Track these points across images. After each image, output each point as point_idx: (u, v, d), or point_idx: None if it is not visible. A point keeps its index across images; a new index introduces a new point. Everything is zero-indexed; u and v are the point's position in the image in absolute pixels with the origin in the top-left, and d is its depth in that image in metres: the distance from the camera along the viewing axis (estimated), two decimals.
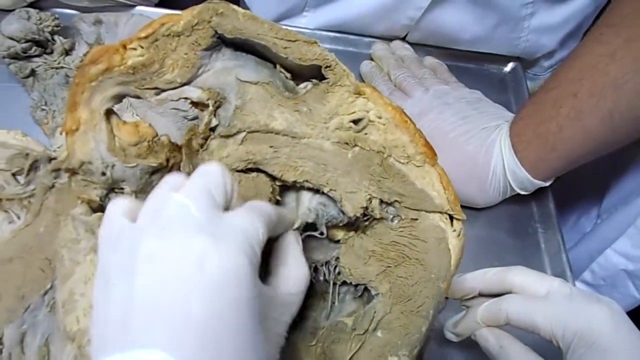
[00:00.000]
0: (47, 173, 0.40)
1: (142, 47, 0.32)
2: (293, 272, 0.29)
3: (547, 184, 0.52)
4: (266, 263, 0.29)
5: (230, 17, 0.33)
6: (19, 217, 0.43)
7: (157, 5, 0.66)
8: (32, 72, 0.59)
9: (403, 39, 0.66)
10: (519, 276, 0.38)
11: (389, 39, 0.66)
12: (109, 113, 0.32)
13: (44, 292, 0.39)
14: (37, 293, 0.39)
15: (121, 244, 0.24)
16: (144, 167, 0.31)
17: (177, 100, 0.32)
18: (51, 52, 0.60)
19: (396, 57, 0.63)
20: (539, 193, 0.58)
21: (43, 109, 0.58)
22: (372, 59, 0.65)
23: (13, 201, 0.43)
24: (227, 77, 0.33)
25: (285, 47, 0.33)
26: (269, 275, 0.29)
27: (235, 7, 0.33)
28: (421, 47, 0.67)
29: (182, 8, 0.66)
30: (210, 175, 0.26)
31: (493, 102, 0.59)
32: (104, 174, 0.31)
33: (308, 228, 0.35)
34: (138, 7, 0.64)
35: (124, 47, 0.32)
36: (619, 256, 0.57)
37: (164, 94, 0.32)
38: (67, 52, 0.61)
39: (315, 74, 0.35)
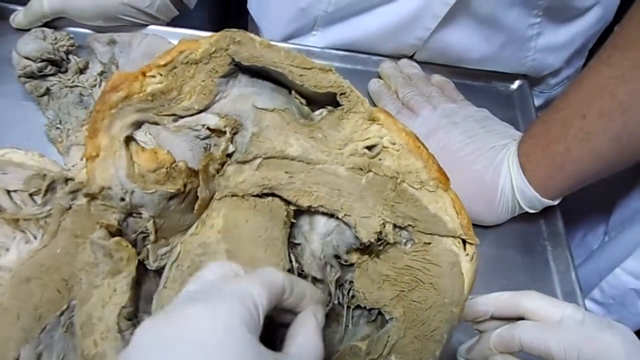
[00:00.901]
0: (64, 195, 0.41)
1: (160, 75, 0.33)
2: (303, 348, 0.28)
3: (556, 202, 0.53)
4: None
5: (247, 45, 0.33)
6: (35, 237, 0.44)
7: (168, 24, 0.67)
8: (47, 91, 0.60)
9: (411, 57, 0.67)
10: (532, 302, 0.38)
11: (397, 57, 0.67)
12: (128, 140, 0.32)
13: (60, 313, 0.40)
14: (54, 314, 0.39)
15: None
16: (162, 193, 0.32)
17: (194, 127, 0.33)
18: (65, 71, 0.61)
19: (404, 75, 0.64)
20: (547, 211, 0.58)
21: (58, 128, 0.59)
22: (380, 77, 0.66)
23: (30, 221, 0.44)
24: (243, 104, 0.34)
25: (301, 75, 0.33)
26: (283, 346, 0.28)
27: (252, 35, 0.34)
28: (428, 66, 0.68)
29: (193, 27, 0.67)
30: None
31: (500, 119, 0.59)
32: (122, 199, 0.32)
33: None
34: (150, 27, 0.65)
35: (143, 74, 0.33)
36: (628, 275, 0.57)
37: (181, 121, 0.33)
38: (82, 71, 0.62)
39: (330, 99, 0.35)
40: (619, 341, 0.33)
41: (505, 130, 0.56)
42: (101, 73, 0.61)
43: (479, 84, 0.70)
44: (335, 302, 0.36)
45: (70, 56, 0.61)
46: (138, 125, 0.33)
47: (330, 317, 0.37)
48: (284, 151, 0.34)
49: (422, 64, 0.67)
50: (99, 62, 0.62)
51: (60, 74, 0.61)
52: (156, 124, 0.33)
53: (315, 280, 0.35)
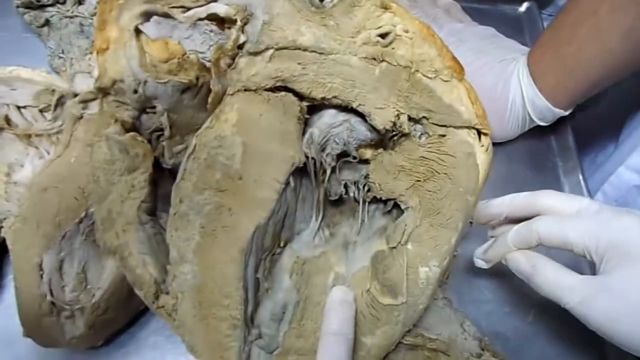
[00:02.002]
0: (75, 104, 0.40)
1: None
2: None
3: (567, 112, 0.52)
4: None
5: None
6: (48, 153, 0.44)
7: None
8: (47, 22, 0.59)
9: None
10: (548, 199, 0.38)
11: None
12: (138, 31, 0.32)
13: (79, 220, 0.40)
14: (73, 221, 0.40)
15: None
16: (175, 83, 0.32)
17: (204, 19, 0.32)
18: (64, 2, 0.60)
19: None
20: (557, 127, 0.58)
21: (60, 57, 0.58)
22: None
23: (42, 137, 0.44)
24: None
25: None
26: None
27: None
28: None
29: None
30: None
31: None
32: (136, 91, 0.31)
33: (340, 154, 0.35)
34: None
35: None
36: (632, 172, 0.55)
37: (191, 12, 0.32)
38: (80, 2, 0.60)
39: None
40: (636, 223, 0.34)
41: (513, 45, 0.55)
42: None
43: (485, 7, 0.69)
44: (351, 196, 0.36)
45: None
46: (147, 16, 0.32)
47: (346, 212, 0.38)
48: (296, 41, 0.33)
49: None
50: None
51: (59, 5, 0.60)
52: (166, 15, 0.32)
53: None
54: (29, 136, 0.44)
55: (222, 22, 0.33)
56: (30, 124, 0.44)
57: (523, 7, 0.70)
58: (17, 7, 0.58)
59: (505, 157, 0.58)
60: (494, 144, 0.56)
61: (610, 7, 0.43)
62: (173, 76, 0.31)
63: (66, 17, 0.60)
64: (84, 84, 0.55)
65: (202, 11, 0.32)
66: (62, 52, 0.59)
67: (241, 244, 0.32)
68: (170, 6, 0.32)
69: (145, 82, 0.31)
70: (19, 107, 0.44)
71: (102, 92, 0.32)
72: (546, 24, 0.70)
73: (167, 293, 0.32)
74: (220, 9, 0.32)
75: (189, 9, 0.33)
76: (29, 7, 0.59)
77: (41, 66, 0.58)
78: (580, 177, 0.56)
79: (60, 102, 0.44)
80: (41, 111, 0.44)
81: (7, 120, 0.44)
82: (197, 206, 0.32)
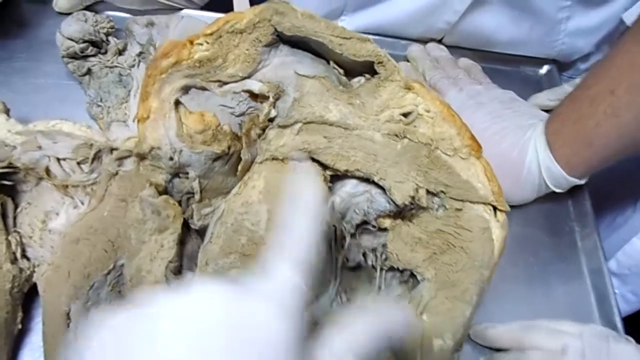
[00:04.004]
0: (111, 161, 0.43)
1: (207, 43, 0.35)
2: None
3: (582, 181, 0.53)
4: None
5: (289, 16, 0.35)
6: (82, 203, 0.46)
7: (202, 8, 0.69)
8: (88, 71, 0.63)
9: (439, 41, 0.68)
10: (536, 335, 0.43)
11: (424, 41, 0.68)
12: (177, 103, 0.34)
13: (107, 272, 0.42)
14: (101, 272, 0.42)
15: None
16: (208, 153, 0.34)
17: (239, 93, 0.34)
18: (105, 52, 0.64)
19: (431, 58, 0.65)
20: (575, 192, 0.58)
21: (99, 105, 0.61)
22: (407, 60, 0.67)
23: (77, 188, 0.46)
24: (285, 71, 0.35)
25: (340, 44, 0.35)
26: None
27: (294, 6, 0.35)
28: (456, 49, 0.68)
29: (226, 11, 0.70)
30: None
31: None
32: (171, 158, 0.34)
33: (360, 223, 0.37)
34: (185, 10, 0.67)
35: (191, 42, 0.35)
36: None
37: (227, 87, 0.35)
38: (120, 52, 0.64)
39: (366, 69, 0.37)
40: None
41: (531, 111, 0.57)
42: (139, 54, 0.64)
43: (507, 68, 0.71)
44: (369, 264, 0.38)
45: (110, 38, 0.64)
46: (186, 89, 0.35)
47: (363, 278, 0.39)
48: (324, 116, 0.35)
49: (450, 47, 0.68)
50: (137, 44, 0.64)
51: (100, 55, 0.64)
52: (203, 89, 0.35)
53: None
54: (65, 187, 0.47)
55: (255, 95, 0.36)
56: (68, 175, 0.47)
57: (544, 70, 0.71)
58: (63, 56, 0.62)
59: (522, 220, 0.58)
60: (510, 206, 0.58)
61: (627, 88, 0.45)
62: (207, 146, 0.33)
63: (106, 66, 0.64)
64: (120, 133, 0.58)
65: (238, 86, 0.35)
66: (101, 101, 0.62)
67: None
68: (208, 80, 0.35)
69: (181, 151, 0.33)
70: (58, 159, 0.47)
71: (140, 156, 0.34)
72: (565, 86, 0.72)
73: None
74: (254, 85, 0.34)
75: (225, 83, 0.35)
76: (73, 57, 0.63)
77: (80, 112, 0.61)
78: (598, 243, 0.56)
79: (97, 156, 0.46)
80: (79, 163, 0.47)
81: (47, 171, 0.47)
82: (222, 269, 0.34)
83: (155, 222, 0.35)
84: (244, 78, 0.35)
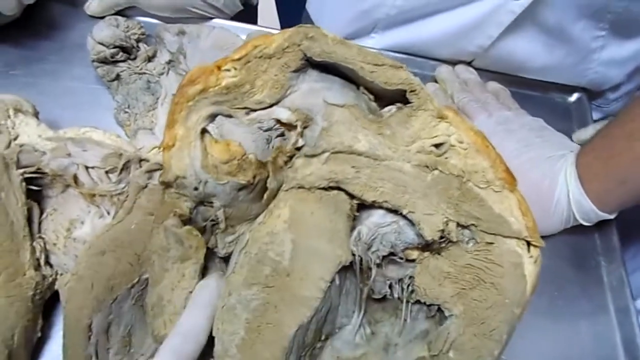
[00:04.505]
0: (141, 174, 0.43)
1: (235, 69, 0.34)
2: None
3: (612, 216, 0.52)
4: None
5: (320, 41, 0.34)
6: (108, 213, 0.47)
7: (232, 19, 0.68)
8: (117, 76, 0.63)
9: (469, 63, 0.66)
10: None
11: (454, 63, 0.66)
12: (203, 132, 0.34)
13: (131, 286, 0.42)
14: (125, 286, 0.42)
15: None
16: (233, 184, 0.33)
17: (266, 121, 0.34)
18: (135, 58, 0.64)
19: (460, 80, 0.63)
20: (602, 225, 0.57)
21: (126, 112, 0.61)
22: (436, 81, 0.65)
23: (104, 197, 0.46)
24: (314, 98, 0.34)
25: (372, 71, 0.34)
26: None
27: (325, 31, 0.34)
28: (485, 73, 0.67)
29: (254, 22, 0.69)
30: None
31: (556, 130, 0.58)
32: (196, 188, 0.33)
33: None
34: (215, 20, 0.67)
35: (219, 68, 0.34)
36: None
37: (254, 114, 0.34)
38: (150, 59, 0.64)
39: (397, 96, 0.35)
40: None
41: (561, 141, 0.56)
42: (169, 62, 0.64)
43: (535, 94, 0.69)
44: (395, 296, 0.37)
45: (140, 44, 0.64)
46: (213, 117, 0.34)
47: (389, 310, 0.38)
48: (352, 146, 0.34)
49: (479, 70, 0.66)
50: (167, 51, 0.64)
51: (129, 61, 0.64)
52: (230, 116, 0.34)
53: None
54: (92, 195, 0.47)
55: (283, 123, 0.35)
56: (95, 183, 0.47)
57: (573, 97, 0.69)
58: (93, 61, 0.62)
59: (547, 252, 0.56)
60: None
61: None
62: (232, 177, 0.33)
63: (136, 73, 0.64)
64: (146, 141, 0.58)
65: (265, 114, 0.34)
66: (128, 107, 0.62)
67: (284, 343, 0.33)
68: (235, 108, 0.34)
69: (206, 182, 0.33)
70: (87, 167, 0.47)
71: (165, 185, 0.34)
72: (595, 115, 0.70)
73: None
74: (283, 114, 0.33)
75: (252, 110, 0.34)
76: (103, 61, 0.63)
77: (107, 118, 0.62)
78: (625, 280, 0.55)
79: (125, 166, 0.46)
80: (107, 173, 0.47)
81: (75, 178, 0.47)
82: (244, 301, 0.33)
83: (179, 251, 0.35)
84: (272, 105, 0.34)
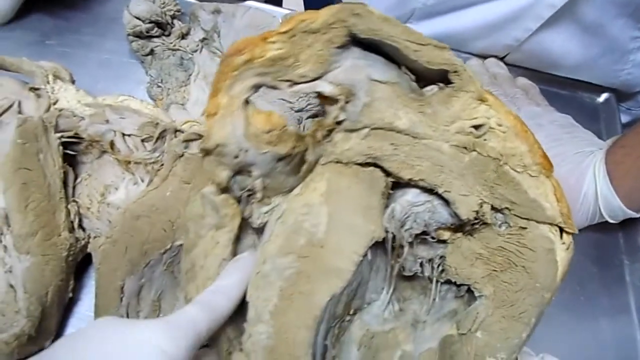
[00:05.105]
0: (178, 142, 0.44)
1: (281, 42, 0.34)
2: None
3: (638, 215, 0.52)
4: None
5: (366, 18, 0.34)
6: (142, 180, 0.48)
7: (266, 1, 0.69)
8: (151, 51, 0.64)
9: (501, 58, 0.66)
10: None
11: (485, 57, 0.66)
12: (246, 102, 0.34)
13: (164, 251, 0.43)
14: (158, 251, 0.43)
15: None
16: (273, 153, 0.34)
17: (309, 94, 0.34)
18: (169, 35, 0.65)
19: (490, 74, 0.63)
20: (626, 224, 0.57)
21: (159, 86, 0.62)
22: None
23: (139, 165, 0.47)
24: (357, 74, 0.35)
25: (415, 50, 0.34)
26: None
27: (371, 8, 0.35)
28: (514, 68, 0.66)
29: (280, 5, 0.69)
30: None
31: None
32: (236, 157, 0.34)
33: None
34: (248, 2, 0.67)
35: (265, 40, 0.34)
36: None
37: (297, 87, 0.35)
38: (184, 36, 0.65)
39: (439, 77, 0.36)
40: None
41: (590, 138, 0.56)
42: (203, 39, 0.64)
43: (564, 92, 0.69)
44: (426, 274, 0.37)
45: (175, 21, 0.65)
46: (257, 88, 0.34)
47: (417, 288, 0.38)
48: (392, 123, 0.35)
49: (509, 66, 0.66)
50: (201, 29, 0.65)
51: (164, 37, 0.65)
52: (273, 88, 0.34)
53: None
54: (128, 162, 0.48)
55: (324, 97, 0.35)
56: (131, 151, 0.48)
57: (602, 98, 0.69)
58: (128, 35, 0.63)
59: None
60: None
61: None
62: (272, 147, 0.33)
63: (169, 49, 0.64)
64: (178, 115, 0.59)
65: (308, 87, 0.34)
66: (161, 82, 0.63)
67: (315, 312, 0.33)
68: (279, 79, 0.35)
69: (247, 150, 0.33)
70: (124, 135, 0.48)
71: (205, 152, 0.34)
72: (624, 117, 0.69)
73: (241, 350, 0.34)
74: (326, 88, 0.34)
75: (295, 83, 0.35)
76: (138, 36, 0.63)
77: (138, 91, 0.62)
78: None
79: (161, 136, 0.47)
80: (143, 141, 0.48)
81: (112, 145, 0.48)
82: (279, 269, 0.34)
83: (214, 219, 0.35)
84: (315, 79, 0.35)
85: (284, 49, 0.34)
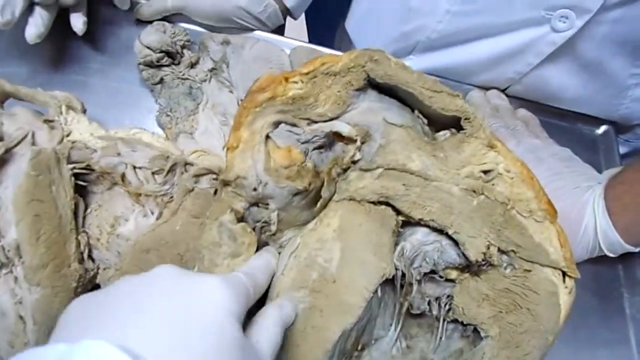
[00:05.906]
0: (189, 177, 0.44)
1: (302, 82, 0.36)
2: (263, 336, 0.31)
3: (637, 250, 0.53)
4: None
5: (383, 64, 0.36)
6: (152, 213, 0.48)
7: (272, 32, 0.71)
8: (161, 80, 0.65)
9: (502, 90, 0.68)
10: None
11: (487, 88, 0.68)
12: (267, 137, 0.36)
13: None
14: None
15: None
16: (291, 188, 0.35)
17: (327, 133, 0.35)
18: (178, 64, 0.66)
19: (491, 106, 0.65)
20: (626, 257, 0.58)
21: (168, 115, 0.63)
22: None
23: (149, 197, 0.48)
24: (373, 117, 0.36)
25: (430, 97, 0.36)
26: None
27: (388, 55, 0.36)
28: (515, 100, 0.68)
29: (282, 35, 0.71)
30: None
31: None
32: (255, 189, 0.35)
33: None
34: (257, 32, 0.69)
35: (287, 80, 0.36)
36: None
37: (315, 125, 0.36)
38: (193, 66, 0.66)
39: (450, 122, 0.37)
40: None
41: (589, 172, 0.57)
42: (211, 69, 0.66)
43: (563, 124, 0.70)
44: (433, 313, 0.38)
45: (185, 50, 0.66)
46: (277, 124, 0.36)
47: (424, 326, 0.39)
48: (406, 165, 0.36)
49: (510, 97, 0.68)
50: (210, 59, 0.66)
51: (173, 66, 0.66)
52: (293, 125, 0.36)
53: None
54: (138, 195, 0.48)
55: (341, 137, 0.37)
56: (142, 183, 0.48)
57: (601, 130, 0.71)
58: (139, 64, 0.65)
59: None
60: None
61: None
62: (291, 182, 0.34)
63: (179, 78, 0.66)
64: (186, 145, 0.60)
65: (327, 126, 0.36)
66: (170, 111, 0.64)
67: (326, 346, 0.34)
68: (298, 117, 0.36)
69: (266, 183, 0.34)
70: (135, 167, 0.48)
71: (224, 183, 0.35)
72: (622, 149, 0.71)
73: None
74: (344, 128, 0.35)
75: (314, 121, 0.36)
76: (148, 65, 0.65)
77: (147, 120, 0.63)
78: None
79: (172, 169, 0.48)
80: (153, 174, 0.48)
81: (123, 177, 0.48)
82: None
83: (230, 247, 0.36)
84: (332, 118, 0.36)
85: (305, 89, 0.36)
